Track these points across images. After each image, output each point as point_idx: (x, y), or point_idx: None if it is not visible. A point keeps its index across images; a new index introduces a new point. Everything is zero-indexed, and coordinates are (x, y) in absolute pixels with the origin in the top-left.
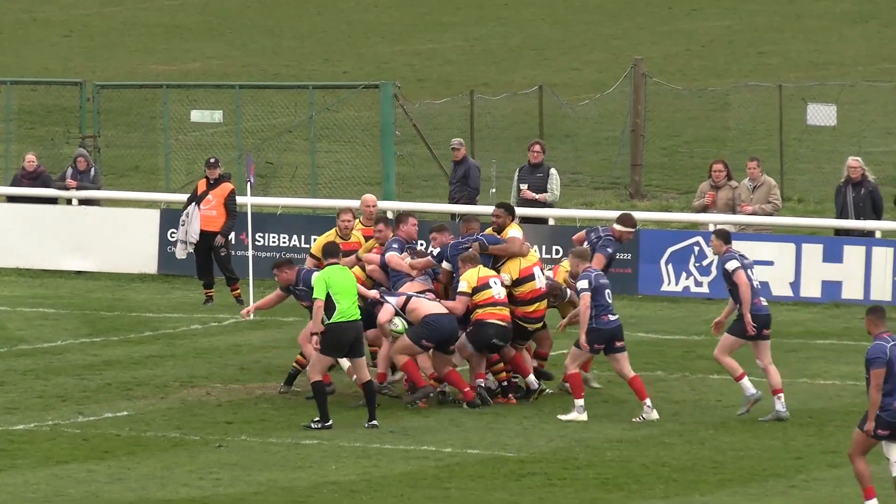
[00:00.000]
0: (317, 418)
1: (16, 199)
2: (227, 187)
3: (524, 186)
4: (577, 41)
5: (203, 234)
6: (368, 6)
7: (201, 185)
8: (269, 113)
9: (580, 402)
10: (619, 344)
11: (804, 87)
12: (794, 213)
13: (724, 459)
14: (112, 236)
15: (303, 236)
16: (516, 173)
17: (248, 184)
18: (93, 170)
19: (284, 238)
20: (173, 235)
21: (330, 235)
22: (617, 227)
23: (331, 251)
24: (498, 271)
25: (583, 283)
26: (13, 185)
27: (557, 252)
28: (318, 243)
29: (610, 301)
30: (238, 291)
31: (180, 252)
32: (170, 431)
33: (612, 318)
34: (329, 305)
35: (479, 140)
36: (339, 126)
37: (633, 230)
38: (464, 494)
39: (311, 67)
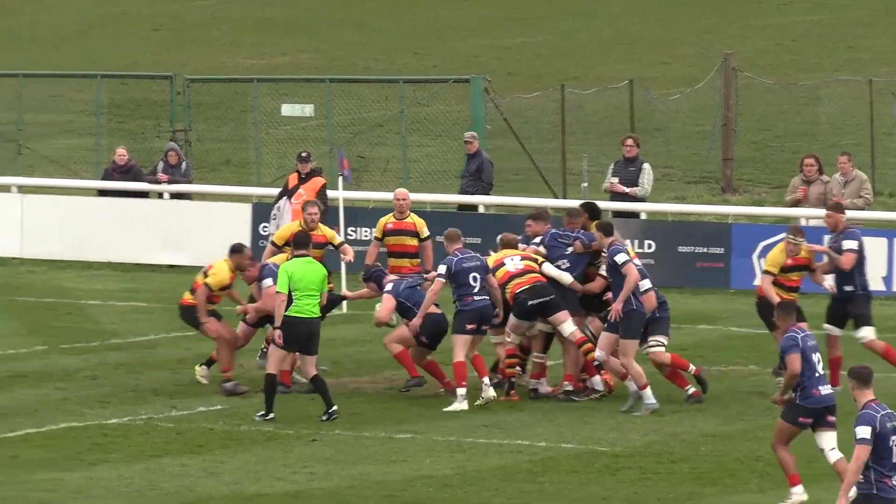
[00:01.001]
0: (262, 412)
1: (107, 193)
2: (318, 181)
3: (615, 180)
4: (666, 35)
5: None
6: (458, 0)
7: (292, 180)
8: (360, 107)
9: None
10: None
11: (894, 82)
12: (885, 208)
13: (818, 454)
14: (204, 230)
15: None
16: (610, 168)
17: (341, 178)
18: (184, 164)
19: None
20: (265, 229)
21: (294, 227)
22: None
23: (301, 242)
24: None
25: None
26: (104, 178)
27: (650, 246)
28: (281, 232)
29: (476, 285)
30: (331, 286)
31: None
32: (264, 426)
33: (477, 299)
34: (288, 299)
35: (571, 134)
36: (429, 120)
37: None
38: (558, 489)
39: (402, 61)
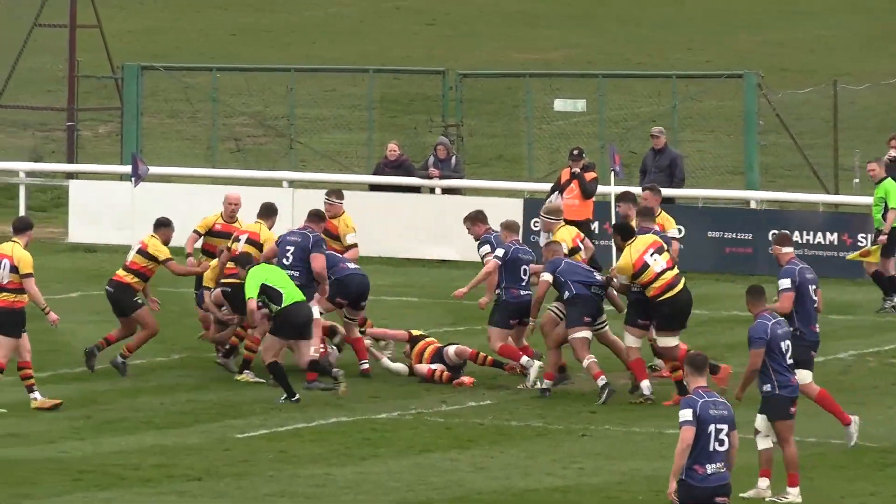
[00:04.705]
0: (284, 396)
1: (379, 188)
2: (589, 177)
3: None
4: None
5: (565, 223)
6: None
7: (565, 174)
8: (632, 102)
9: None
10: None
11: None
12: None
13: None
14: None
15: (684, 226)
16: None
17: (613, 173)
18: (454, 158)
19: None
20: (536, 225)
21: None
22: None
23: (241, 262)
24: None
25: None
26: (376, 173)
27: None
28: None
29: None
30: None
31: (543, 240)
32: (533, 421)
33: (523, 293)
34: (275, 295)
35: (843, 130)
36: (702, 115)
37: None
38: (826, 484)
39: (674, 56)
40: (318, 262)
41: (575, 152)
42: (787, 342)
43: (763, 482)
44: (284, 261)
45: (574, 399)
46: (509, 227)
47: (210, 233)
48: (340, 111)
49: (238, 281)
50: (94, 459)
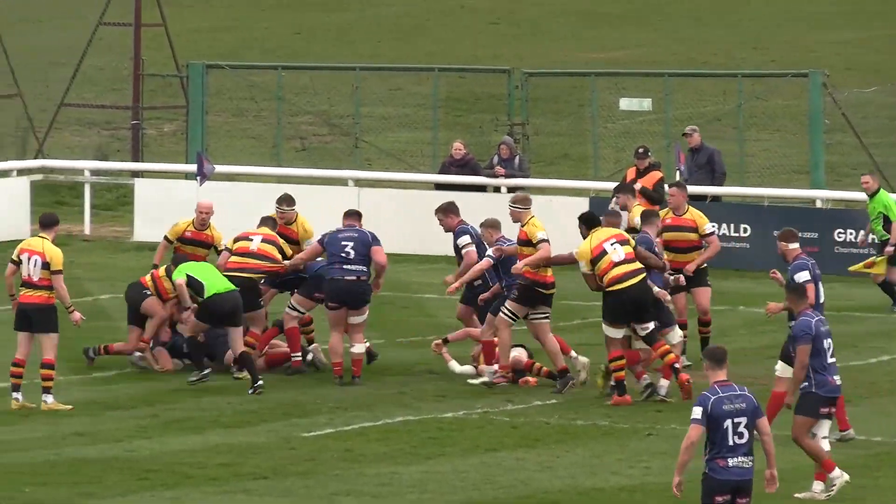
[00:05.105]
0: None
1: (444, 187)
2: (655, 176)
3: None
4: None
5: None
6: None
7: (630, 174)
8: (698, 101)
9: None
10: None
11: None
12: None
13: None
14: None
15: (731, 225)
16: None
17: (678, 172)
18: (517, 158)
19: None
20: None
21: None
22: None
23: (176, 260)
24: None
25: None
26: (441, 172)
27: None
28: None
29: None
30: None
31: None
32: (599, 420)
33: None
34: (198, 286)
35: None
36: (767, 114)
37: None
38: (894, 483)
39: (740, 55)
40: (381, 254)
41: (640, 151)
42: (829, 340)
43: (818, 485)
44: (344, 255)
45: (639, 398)
46: (493, 224)
47: (181, 240)
48: (405, 110)
49: (248, 276)
50: (160, 458)
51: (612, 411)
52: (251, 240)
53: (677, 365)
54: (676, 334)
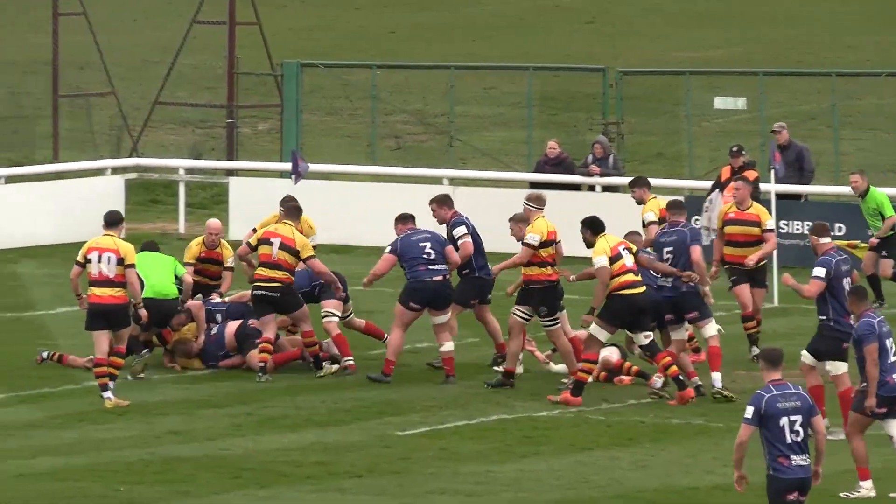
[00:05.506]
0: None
1: (538, 186)
2: (750, 175)
3: None
4: None
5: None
6: None
7: (725, 172)
8: (792, 100)
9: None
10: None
11: None
12: None
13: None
14: (635, 223)
15: (844, 224)
16: None
17: (773, 171)
18: (611, 157)
19: (808, 226)
20: (696, 222)
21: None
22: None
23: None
24: None
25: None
26: (536, 171)
27: None
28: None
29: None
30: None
31: (705, 239)
32: (694, 419)
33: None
34: (142, 281)
35: None
36: (862, 113)
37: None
38: None
39: (834, 55)
40: (454, 254)
41: (734, 149)
42: (891, 340)
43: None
44: (425, 256)
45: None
46: (522, 219)
47: (200, 261)
48: (500, 109)
49: (279, 284)
50: (254, 457)
51: (707, 410)
52: (271, 244)
53: (681, 377)
54: (712, 327)
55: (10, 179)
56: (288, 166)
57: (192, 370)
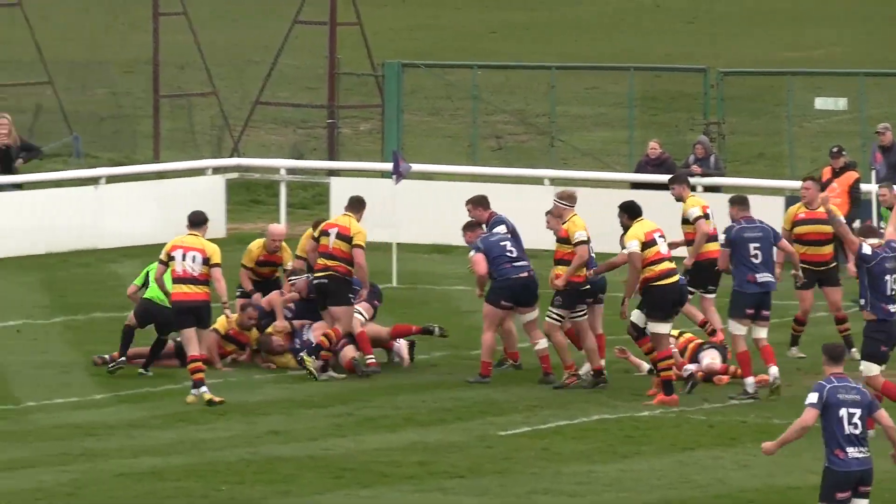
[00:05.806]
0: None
1: (640, 186)
2: (851, 176)
3: None
4: None
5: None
6: None
7: (826, 174)
8: (894, 101)
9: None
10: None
11: None
12: None
13: None
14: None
15: None
16: None
17: (874, 172)
18: (712, 158)
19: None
20: None
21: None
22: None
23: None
24: None
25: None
26: (637, 171)
27: None
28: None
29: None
30: None
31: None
32: (795, 418)
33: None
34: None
35: None
36: None
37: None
38: None
39: None
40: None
41: (834, 150)
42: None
43: None
44: (508, 254)
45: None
46: (558, 215)
47: (258, 264)
48: (601, 109)
49: (333, 273)
50: (355, 457)
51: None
52: (328, 235)
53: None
54: (766, 329)
55: (112, 179)
56: (389, 166)
57: (291, 369)
